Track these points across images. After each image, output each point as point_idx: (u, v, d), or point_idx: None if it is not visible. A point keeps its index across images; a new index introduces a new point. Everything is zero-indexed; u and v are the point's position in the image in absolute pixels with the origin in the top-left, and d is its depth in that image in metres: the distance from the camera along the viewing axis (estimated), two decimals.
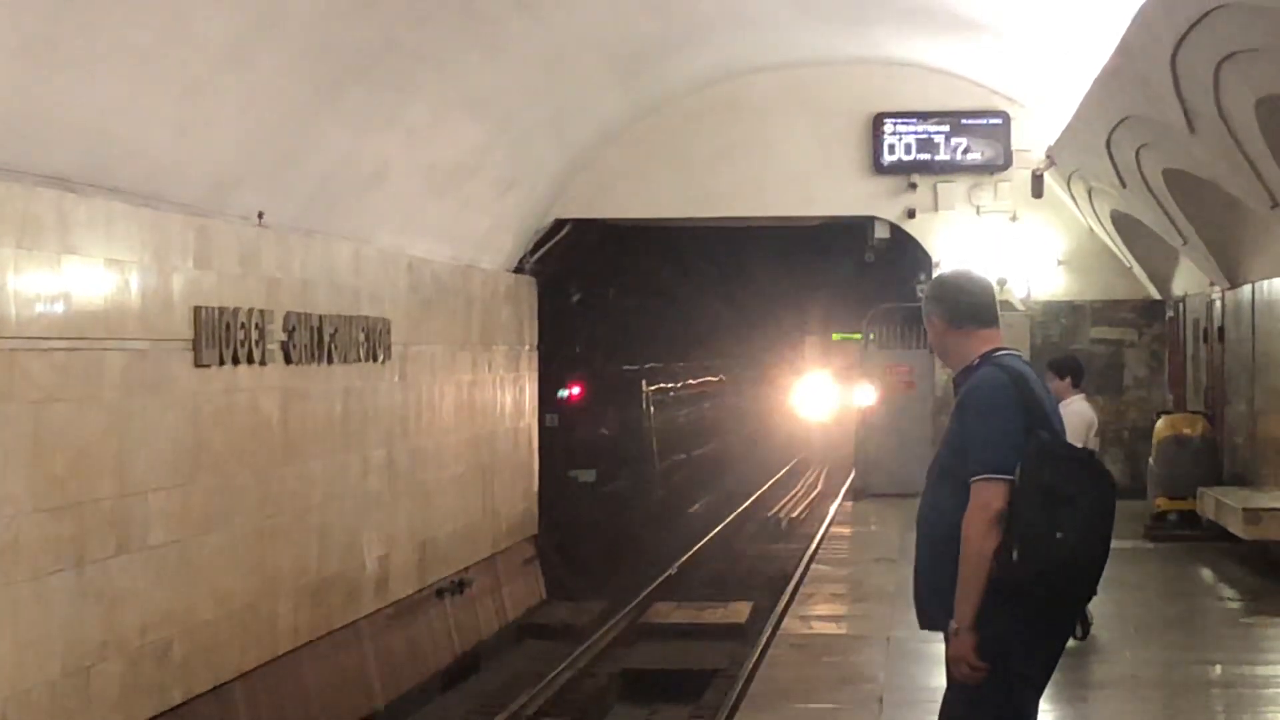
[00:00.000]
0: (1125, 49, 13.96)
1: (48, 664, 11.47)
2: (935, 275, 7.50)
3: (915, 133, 24.39)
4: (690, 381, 44.85)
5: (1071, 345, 23.74)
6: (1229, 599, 16.91)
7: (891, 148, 24.44)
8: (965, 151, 24.30)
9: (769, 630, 19.17)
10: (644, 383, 37.29)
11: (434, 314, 20.03)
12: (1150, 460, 20.89)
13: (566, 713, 18.44)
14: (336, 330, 16.65)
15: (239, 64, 13.36)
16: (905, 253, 26.34)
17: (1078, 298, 24.90)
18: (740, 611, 23.28)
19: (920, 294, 23.04)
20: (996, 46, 21.06)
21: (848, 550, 21.48)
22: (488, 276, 22.68)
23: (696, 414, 44.85)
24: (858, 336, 32.47)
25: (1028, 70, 21.31)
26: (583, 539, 28.65)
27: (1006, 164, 24.21)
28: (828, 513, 29.91)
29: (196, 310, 13.67)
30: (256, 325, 14.75)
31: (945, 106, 24.27)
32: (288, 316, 15.52)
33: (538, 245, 24.71)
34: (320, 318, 16.27)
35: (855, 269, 31.73)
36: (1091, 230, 24.41)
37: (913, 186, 24.56)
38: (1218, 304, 21.12)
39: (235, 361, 14.36)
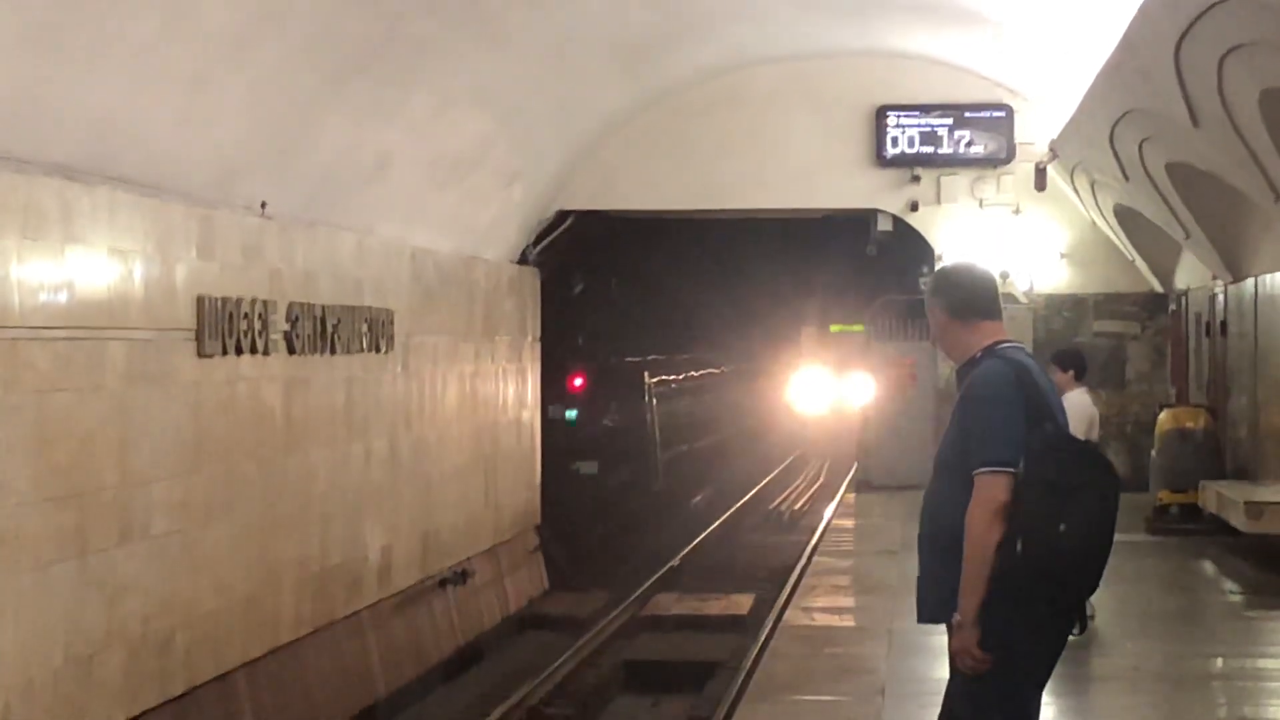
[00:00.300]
0: (1129, 42, 13.95)
1: (50, 654, 11.48)
2: (938, 268, 7.51)
3: (918, 125, 24.38)
4: (693, 373, 44.86)
5: (1074, 338, 23.73)
6: (1231, 592, 16.92)
7: (894, 140, 24.43)
8: (968, 144, 24.29)
9: (771, 622, 19.19)
10: (646, 374, 37.30)
11: (437, 305, 20.03)
12: (1152, 453, 20.88)
13: (568, 704, 18.45)
14: (339, 321, 16.66)
15: (243, 54, 13.37)
16: (907, 246, 26.32)
17: (1080, 291, 24.89)
18: (742, 603, 23.28)
19: (923, 287, 23.07)
20: (1000, 39, 21.04)
21: (850, 542, 21.49)
22: (491, 268, 22.68)
23: (699, 406, 44.85)
24: (856, 328, 32.47)
25: (1031, 63, 21.30)
26: (585, 530, 28.68)
27: (1009, 157, 24.20)
28: (830, 505, 29.95)
29: (200, 300, 13.67)
30: (259, 315, 14.75)
31: (948, 99, 24.27)
32: (291, 307, 15.52)
33: (540, 236, 24.71)
34: (323, 308, 16.27)
35: (857, 262, 31.70)
36: (1094, 223, 24.41)
37: (915, 179, 24.56)
38: (1220, 297, 21.12)
39: (238, 352, 14.36)
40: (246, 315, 14.48)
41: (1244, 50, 11.66)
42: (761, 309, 52.42)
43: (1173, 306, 24.64)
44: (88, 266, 11.97)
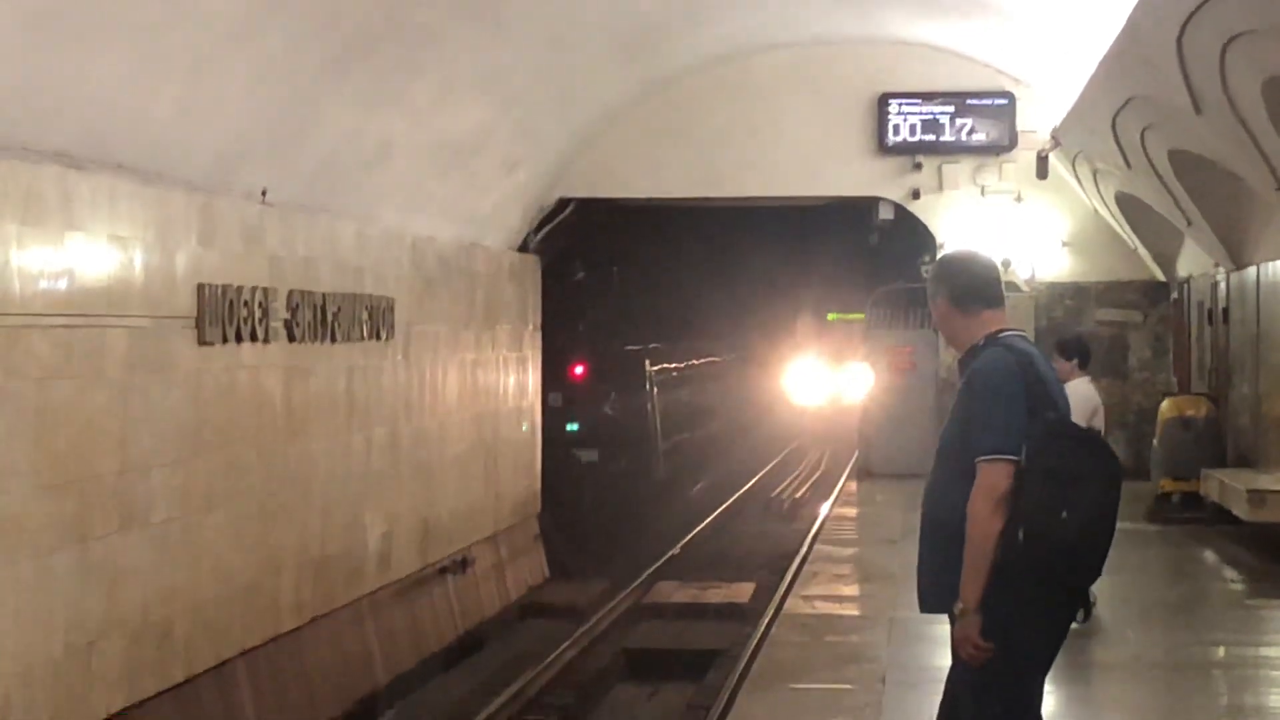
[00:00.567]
0: (1131, 30, 13.92)
1: (50, 641, 11.47)
2: (940, 256, 7.50)
3: (920, 113, 24.35)
4: (694, 362, 44.82)
5: (1076, 327, 23.69)
6: (1232, 581, 16.91)
7: (896, 128, 24.40)
8: (970, 132, 24.26)
9: (772, 610, 19.18)
10: (647, 362, 37.29)
11: (437, 293, 20.02)
12: (1154, 442, 20.87)
13: (569, 692, 18.45)
14: (340, 309, 16.64)
15: (244, 41, 13.34)
16: (909, 234, 26.30)
17: (1082, 279, 24.87)
18: (743, 591, 23.29)
19: (925, 275, 23.02)
20: (1002, 27, 21.01)
21: (851, 531, 21.50)
22: (491, 255, 22.66)
23: (700, 394, 44.82)
24: (856, 316, 32.33)
25: (1033, 51, 21.27)
26: (586, 518, 28.68)
27: (1011, 145, 24.18)
28: (831, 493, 29.93)
29: (200, 288, 13.65)
30: (260, 303, 14.73)
31: (950, 87, 24.23)
32: (291, 295, 15.50)
33: (542, 224, 24.69)
34: (323, 296, 16.25)
35: (857, 250, 31.69)
36: (1096, 211, 24.38)
37: (917, 167, 24.53)
38: (1222, 285, 21.09)
39: (238, 339, 14.35)
40: (247, 303, 14.46)
41: (1246, 38, 11.64)
42: (763, 297, 52.34)
43: (1174, 295, 24.62)
44: (88, 254, 11.95)
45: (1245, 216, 18.42)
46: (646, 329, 39.05)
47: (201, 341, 13.70)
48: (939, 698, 6.84)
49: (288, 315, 15.42)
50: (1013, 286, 23.63)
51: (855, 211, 27.74)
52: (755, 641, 17.40)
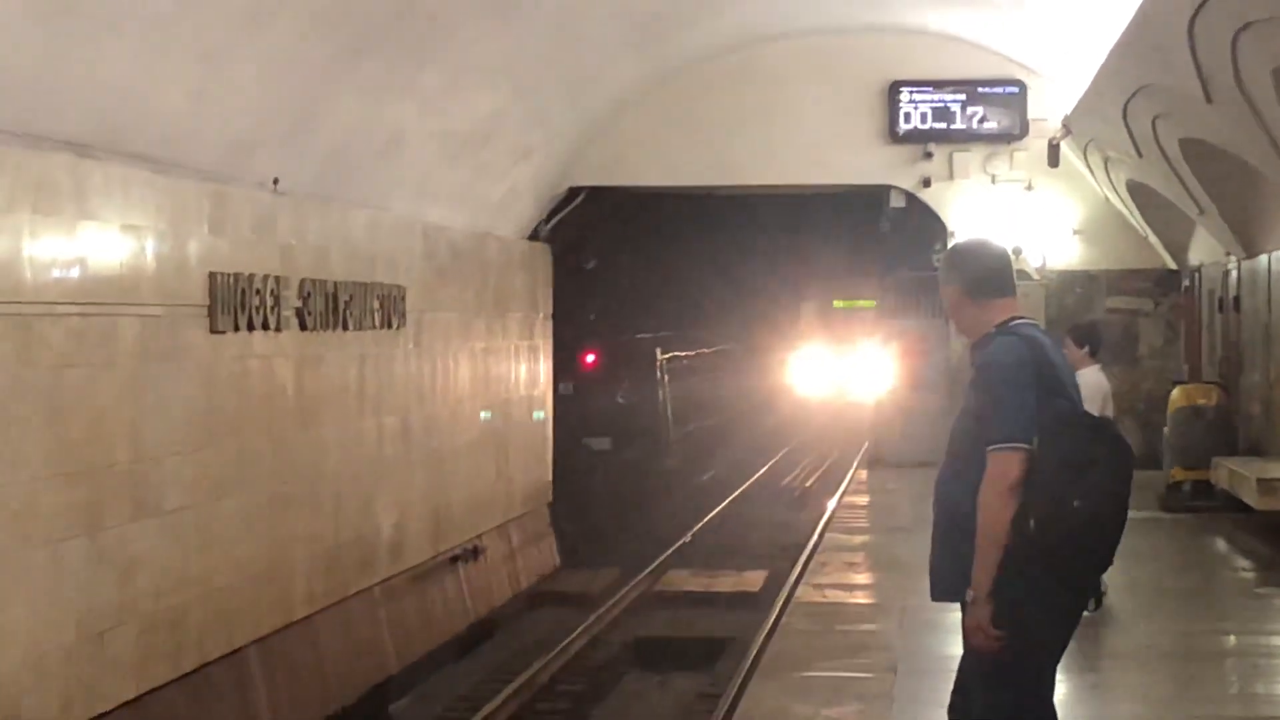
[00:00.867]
0: (1143, 18, 13.91)
1: (63, 629, 11.50)
2: (951, 245, 7.50)
3: (931, 101, 24.33)
4: (705, 350, 44.77)
5: (1086, 315, 23.68)
6: (1243, 569, 16.91)
7: (907, 116, 24.39)
8: (981, 120, 24.24)
9: (783, 598, 19.20)
10: (658, 351, 37.28)
11: (449, 281, 20.03)
12: (1165, 431, 20.86)
13: (580, 680, 18.49)
14: (351, 297, 16.65)
15: (256, 30, 13.35)
16: (920, 221, 26.28)
17: (1093, 267, 24.85)
18: (754, 580, 23.31)
19: (936, 263, 23.03)
20: (1013, 15, 21.00)
21: (862, 519, 21.50)
22: (502, 244, 22.67)
23: (711, 382, 44.77)
24: (861, 304, 32.34)
25: (1044, 39, 21.26)
26: (597, 507, 28.69)
27: (1022, 133, 24.16)
28: (842, 482, 29.93)
29: (212, 276, 13.67)
30: (272, 292, 14.75)
31: (961, 75, 24.22)
32: (303, 283, 15.52)
33: (552, 213, 24.71)
34: (335, 284, 16.27)
35: (867, 238, 31.67)
36: (1107, 200, 24.36)
37: (928, 155, 24.51)
38: (1233, 274, 21.08)
39: (250, 328, 14.36)
40: (259, 291, 14.48)
41: (1258, 26, 11.63)
42: (774, 285, 52.13)
43: (1185, 283, 24.60)
44: (100, 243, 11.97)
45: (1257, 205, 18.40)
46: (657, 317, 39.04)
47: (213, 330, 13.72)
48: (951, 686, 6.86)
49: (299, 304, 15.43)
50: (1024, 275, 23.61)
51: (865, 199, 27.73)
52: (766, 630, 17.43)
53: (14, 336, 10.90)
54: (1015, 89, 24.09)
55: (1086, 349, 13.99)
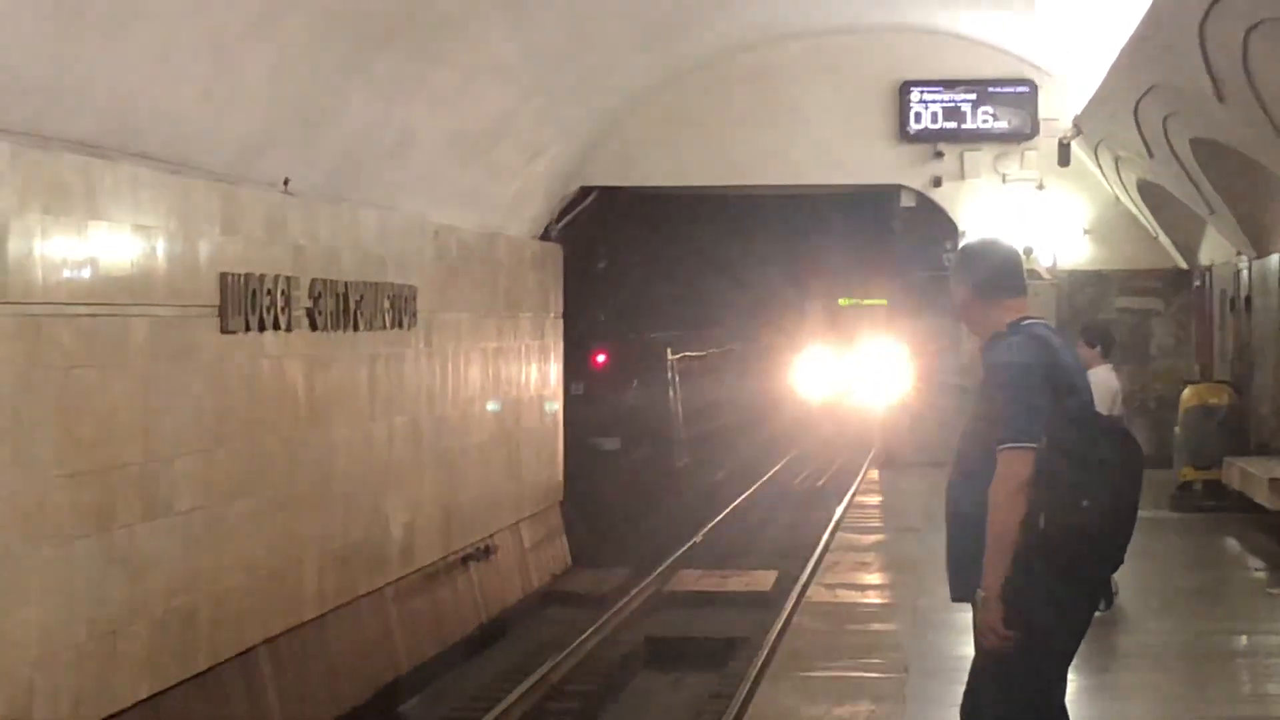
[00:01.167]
0: (1154, 17, 13.89)
1: (74, 629, 11.51)
2: (962, 244, 7.51)
3: (942, 101, 24.33)
4: (715, 350, 44.70)
5: (1097, 315, 23.67)
6: (1255, 569, 16.89)
7: (918, 116, 24.39)
8: (992, 120, 24.24)
9: (794, 598, 19.18)
10: (669, 350, 37.25)
11: (460, 281, 20.03)
12: (1176, 430, 20.84)
13: (591, 680, 18.46)
14: (362, 297, 16.65)
15: (267, 30, 13.35)
16: (930, 221, 26.26)
17: (1104, 267, 24.84)
18: (765, 579, 23.28)
19: (947, 263, 23.02)
20: (1024, 14, 20.98)
21: (873, 519, 21.50)
22: (514, 244, 22.67)
23: (722, 382, 44.71)
24: (870, 302, 32.25)
25: (1055, 39, 21.23)
26: (608, 506, 28.68)
27: (1033, 133, 24.16)
28: (853, 481, 29.90)
29: (223, 277, 13.67)
30: (282, 292, 14.75)
31: (972, 75, 24.22)
32: (314, 283, 15.52)
33: (564, 212, 24.71)
34: (346, 285, 16.27)
35: (878, 237, 31.63)
36: (1118, 199, 24.35)
37: (939, 155, 24.51)
38: (1244, 273, 21.06)
39: (261, 328, 14.36)
40: (269, 292, 14.48)
41: (1269, 25, 11.61)
42: (783, 284, 51.90)
43: (1196, 282, 24.57)
44: (111, 243, 11.98)
45: (1268, 205, 18.38)
46: (668, 317, 39.00)
47: (224, 330, 13.72)
48: (962, 687, 6.85)
49: (310, 304, 15.43)
50: (1034, 274, 23.59)
51: (876, 199, 27.71)
52: (777, 630, 17.42)
53: (25, 337, 10.91)
54: (1026, 89, 24.09)
55: (1098, 349, 14.01)
